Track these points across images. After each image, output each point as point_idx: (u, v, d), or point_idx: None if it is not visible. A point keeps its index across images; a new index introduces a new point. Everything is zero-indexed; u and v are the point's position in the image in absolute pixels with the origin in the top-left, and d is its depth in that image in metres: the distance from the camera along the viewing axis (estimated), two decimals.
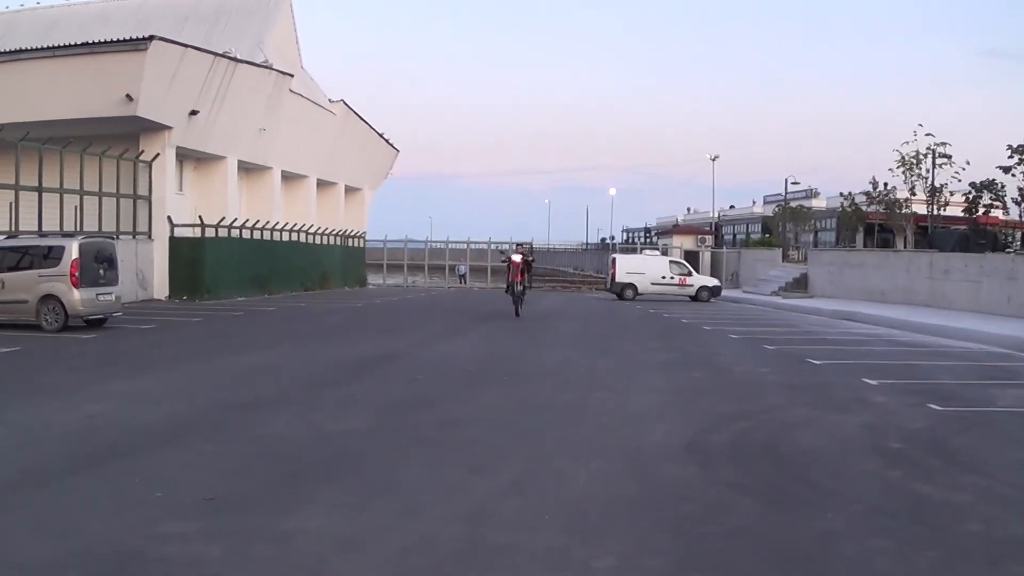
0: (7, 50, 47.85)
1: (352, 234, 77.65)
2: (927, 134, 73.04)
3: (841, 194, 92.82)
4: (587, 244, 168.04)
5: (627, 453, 14.55)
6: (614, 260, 67.80)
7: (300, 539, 10.03)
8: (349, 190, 79.88)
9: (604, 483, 12.64)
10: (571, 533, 10.38)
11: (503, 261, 47.96)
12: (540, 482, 12.72)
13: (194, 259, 52.01)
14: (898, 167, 74.41)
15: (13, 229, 39.79)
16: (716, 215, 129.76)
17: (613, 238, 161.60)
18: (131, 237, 49.27)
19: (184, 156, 55.09)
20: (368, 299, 60.39)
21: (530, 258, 47.24)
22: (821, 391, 21.56)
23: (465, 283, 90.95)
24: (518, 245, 48.41)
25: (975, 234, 70.89)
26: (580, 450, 14.74)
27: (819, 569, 9.45)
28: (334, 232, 72.64)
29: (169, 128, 50.38)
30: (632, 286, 64.59)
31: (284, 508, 11.16)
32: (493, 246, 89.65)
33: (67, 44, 47.55)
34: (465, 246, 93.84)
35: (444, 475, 12.97)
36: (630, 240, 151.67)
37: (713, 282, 67.91)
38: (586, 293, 78.89)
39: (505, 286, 46.66)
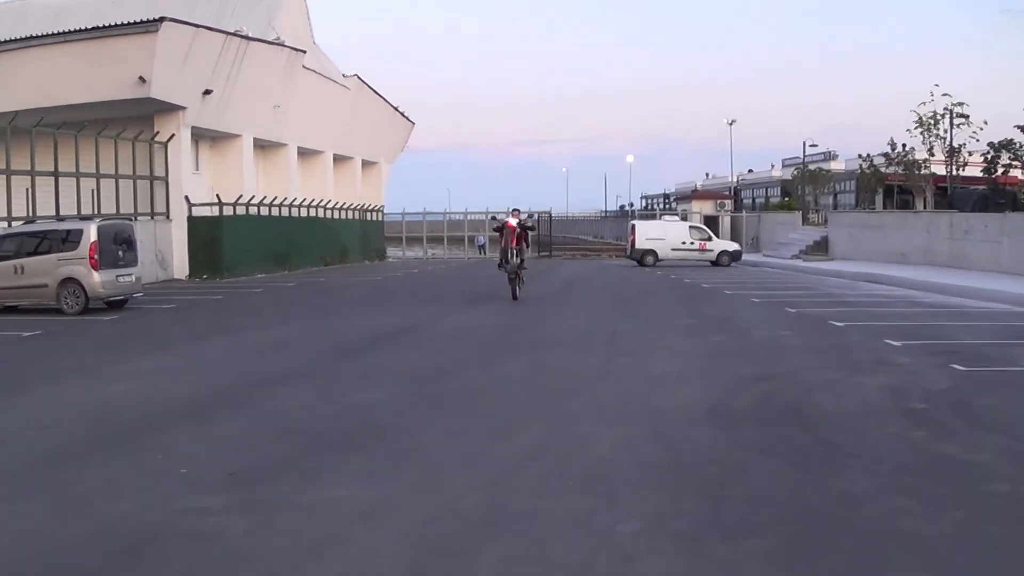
0: (18, 37, 47.89)
1: (370, 208, 77.69)
2: (944, 94, 72.87)
3: (860, 156, 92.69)
4: (606, 211, 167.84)
5: (650, 417, 14.55)
6: (634, 227, 67.73)
7: (324, 510, 10.05)
8: (366, 164, 79.90)
9: (627, 448, 12.64)
10: (595, 498, 10.37)
11: (495, 229, 38.92)
12: (563, 448, 12.72)
13: (213, 238, 51.97)
14: (916, 128, 74.19)
15: (31, 214, 39.86)
16: (735, 179, 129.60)
17: (632, 205, 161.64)
18: (149, 218, 49.33)
19: (199, 135, 55.12)
20: (388, 272, 60.46)
21: (529, 225, 38.53)
22: (844, 353, 21.49)
23: (484, 253, 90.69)
24: (515, 210, 37.58)
25: (994, 194, 70.66)
26: (603, 415, 14.76)
27: (844, 530, 9.41)
28: (352, 206, 72.69)
29: (183, 108, 50.36)
30: (652, 252, 64.50)
31: (308, 480, 11.18)
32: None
33: (78, 29, 47.55)
34: (484, 217, 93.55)
35: (466, 443, 13.00)
36: (649, 206, 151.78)
37: (733, 246, 67.81)
38: (606, 260, 78.75)
39: (499, 260, 37.18)
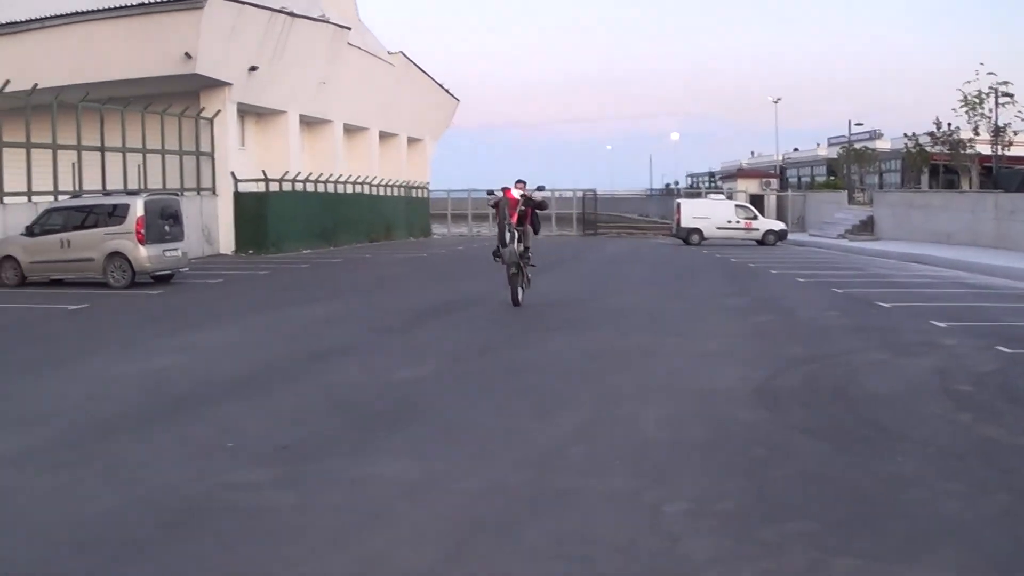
0: (64, 13, 48.09)
1: (415, 185, 77.78)
2: (989, 73, 72.17)
3: (905, 135, 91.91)
4: (651, 190, 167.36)
5: (696, 397, 14.56)
6: (679, 205, 67.77)
7: (371, 485, 10.15)
8: (411, 141, 79.89)
9: (673, 427, 12.64)
10: (641, 477, 10.39)
11: (492, 205, 28.42)
12: (609, 427, 12.76)
13: (259, 213, 52.19)
14: (961, 107, 73.51)
15: (77, 189, 40.03)
16: (780, 158, 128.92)
17: (677, 183, 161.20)
18: (196, 193, 49.46)
19: (245, 112, 55.21)
20: (433, 249, 60.58)
21: (538, 200, 27.21)
22: (890, 334, 21.42)
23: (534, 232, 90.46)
24: (519, 182, 26.76)
25: None
26: (649, 394, 14.77)
27: (889, 512, 9.40)
28: (397, 183, 72.80)
29: (229, 84, 50.44)
30: (698, 231, 64.38)
31: (355, 455, 11.27)
32: (556, 193, 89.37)
33: (123, 5, 47.66)
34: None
35: (513, 420, 13.08)
36: (694, 185, 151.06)
37: (779, 226, 67.55)
38: (652, 239, 78.61)
39: (495, 247, 27.24)
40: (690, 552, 8.32)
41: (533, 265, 26.77)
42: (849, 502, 9.68)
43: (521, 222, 26.08)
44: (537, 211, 27.25)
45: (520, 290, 26.14)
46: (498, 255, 26.50)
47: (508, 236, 25.79)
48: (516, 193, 26.08)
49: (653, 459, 11.14)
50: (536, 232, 27.23)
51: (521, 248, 25.88)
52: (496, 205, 27.05)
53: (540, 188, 27.82)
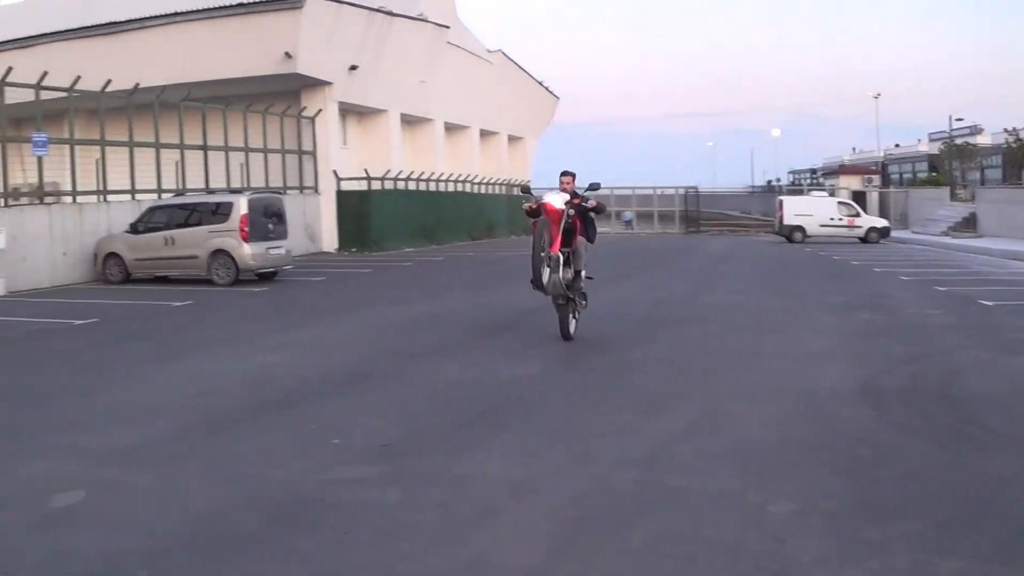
0: (164, 13, 48.70)
1: (517, 183, 77.89)
2: None
3: (1005, 130, 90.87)
4: (753, 187, 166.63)
5: (800, 396, 14.46)
6: (781, 203, 67.46)
7: (475, 483, 10.20)
8: (512, 139, 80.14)
9: (777, 427, 12.59)
10: (746, 477, 10.35)
11: (528, 213, 19.96)
12: (713, 426, 12.73)
13: (361, 212, 52.39)
14: None
15: (180, 187, 40.50)
16: (881, 154, 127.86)
17: (779, 180, 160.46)
18: (298, 192, 49.97)
19: (347, 110, 55.63)
20: None
21: (591, 205, 19.63)
22: (993, 332, 21.17)
23: (632, 228, 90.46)
24: (565, 175, 19.56)
25: None
26: (753, 393, 14.69)
27: (994, 512, 9.33)
28: (499, 181, 73.06)
29: (329, 84, 50.97)
30: (800, 228, 64.03)
31: (458, 453, 11.33)
32: (658, 191, 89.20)
33: (223, 5, 48.25)
34: (630, 192, 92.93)
35: (616, 419, 13.08)
36: (796, 182, 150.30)
37: (882, 223, 66.98)
38: (754, 236, 78.14)
39: (532, 271, 18.93)
40: (795, 552, 8.30)
41: (590, 277, 20.49)
42: (954, 502, 9.61)
43: (568, 240, 19.17)
44: (592, 216, 20.05)
45: (573, 320, 19.92)
46: (538, 287, 19.01)
47: (547, 262, 18.68)
48: (558, 202, 18.84)
49: (758, 459, 11.10)
50: (592, 240, 20.26)
51: (570, 275, 19.31)
52: (532, 213, 19.65)
53: (593, 187, 19.97)
